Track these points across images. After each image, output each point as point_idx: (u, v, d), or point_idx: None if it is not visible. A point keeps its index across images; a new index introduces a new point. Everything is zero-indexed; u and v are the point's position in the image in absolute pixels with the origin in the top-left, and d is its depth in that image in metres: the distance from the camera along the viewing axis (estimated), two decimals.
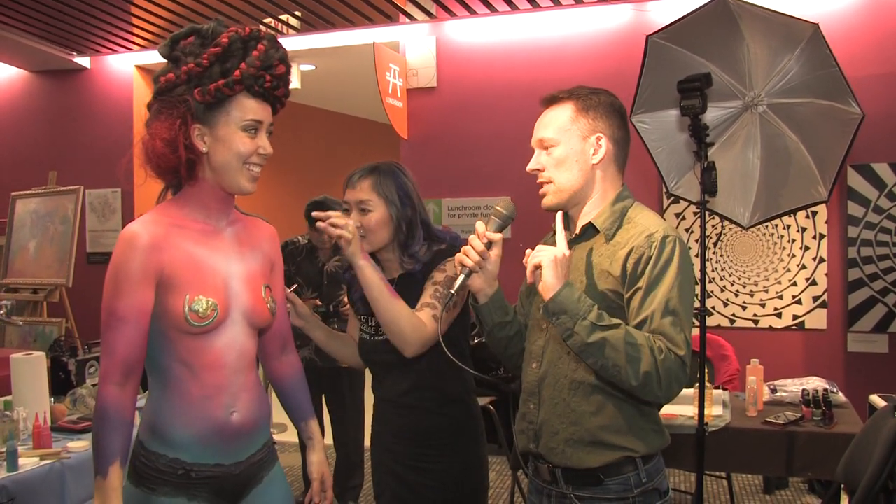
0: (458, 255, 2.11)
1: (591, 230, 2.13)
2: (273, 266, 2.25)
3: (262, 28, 1.95)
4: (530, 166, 2.18)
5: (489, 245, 2.10)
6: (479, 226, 2.10)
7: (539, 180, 2.16)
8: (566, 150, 2.11)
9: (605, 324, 1.90)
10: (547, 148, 2.14)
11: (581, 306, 1.90)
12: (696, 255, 4.04)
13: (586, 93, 2.15)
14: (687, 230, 5.85)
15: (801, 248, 5.71)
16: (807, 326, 5.71)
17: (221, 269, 2.04)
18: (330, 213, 2.33)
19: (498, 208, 2.13)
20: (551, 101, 2.18)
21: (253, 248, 2.16)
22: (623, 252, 2.03)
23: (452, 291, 2.11)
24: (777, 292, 5.77)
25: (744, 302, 5.84)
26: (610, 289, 2.02)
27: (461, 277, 2.10)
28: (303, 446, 2.55)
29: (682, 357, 1.91)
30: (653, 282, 1.96)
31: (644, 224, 2.06)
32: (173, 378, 2.00)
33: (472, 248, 2.08)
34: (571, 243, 2.15)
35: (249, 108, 2.00)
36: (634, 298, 1.99)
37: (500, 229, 2.13)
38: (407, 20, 6.60)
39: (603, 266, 2.05)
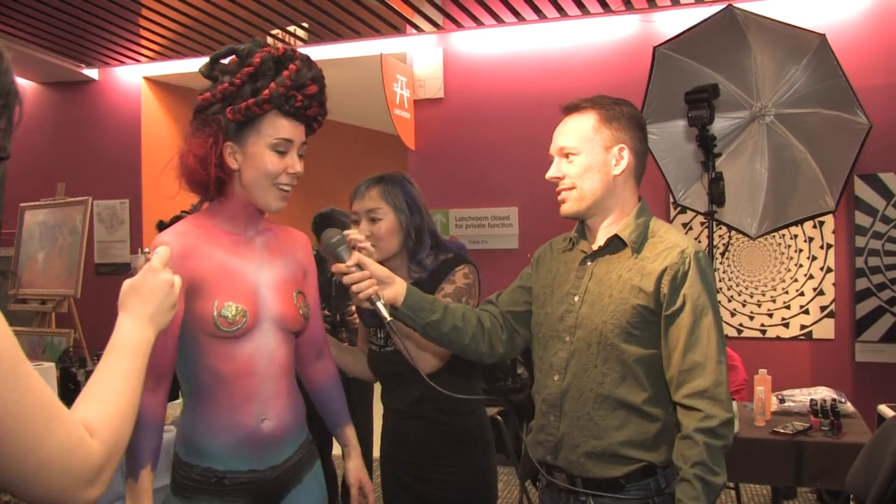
0: (357, 298, 2.12)
1: (616, 243, 2.12)
2: (306, 273, 2.27)
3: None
4: (550, 174, 2.17)
5: (359, 267, 2.12)
6: (339, 266, 2.12)
7: (559, 187, 2.16)
8: (588, 159, 2.10)
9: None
10: (568, 156, 2.13)
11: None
12: None
13: (609, 103, 2.14)
14: (694, 240, 5.83)
15: (808, 258, 5.70)
16: (814, 336, 5.70)
17: (251, 277, 2.07)
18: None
19: (331, 244, 2.14)
20: (573, 108, 2.17)
21: (283, 255, 2.19)
22: (654, 267, 2.03)
23: (389, 318, 2.12)
24: (784, 302, 5.77)
25: (751, 312, 5.84)
26: (641, 304, 2.03)
27: (378, 306, 2.11)
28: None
29: (717, 429, 1.96)
30: (694, 320, 2.00)
31: (672, 240, 2.08)
32: (202, 387, 2.03)
33: (355, 280, 2.10)
34: (594, 255, 2.16)
35: (280, 127, 2.03)
36: (676, 331, 2.01)
37: (347, 253, 2.14)
38: (414, 31, 6.63)
39: (633, 281, 2.05)
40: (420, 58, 6.70)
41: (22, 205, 6.88)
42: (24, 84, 7.62)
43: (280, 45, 2.06)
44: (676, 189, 4.40)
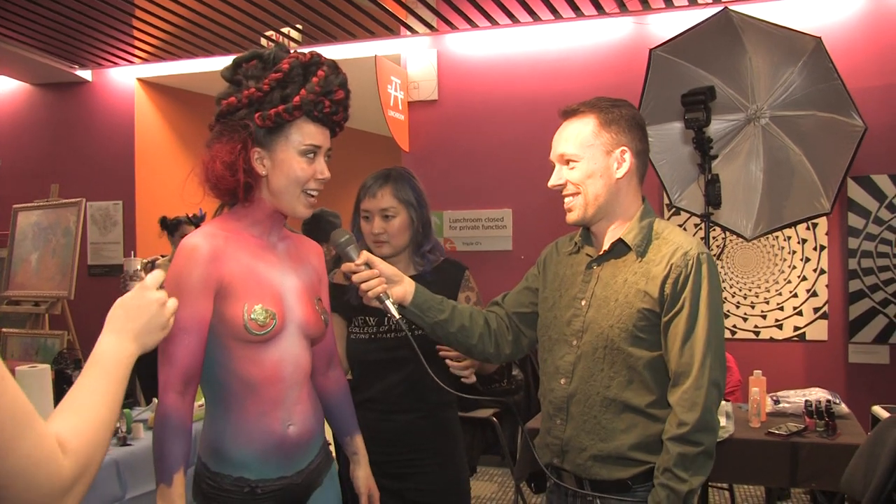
0: (366, 297, 2.13)
1: (620, 246, 2.12)
2: (321, 280, 2.28)
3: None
4: (553, 182, 2.16)
5: (368, 266, 2.13)
6: (349, 265, 2.14)
7: (564, 193, 2.15)
8: (590, 165, 2.09)
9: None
10: (568, 162, 2.12)
11: None
12: None
13: (608, 105, 2.13)
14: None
15: (801, 260, 5.72)
16: (808, 338, 5.72)
17: (276, 281, 2.07)
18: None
19: (340, 243, 2.18)
20: (571, 113, 2.16)
21: (303, 262, 2.20)
22: (658, 269, 2.04)
23: (398, 317, 2.13)
24: (778, 304, 5.78)
25: (745, 313, 5.85)
26: (647, 308, 2.03)
27: (388, 303, 2.12)
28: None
29: (688, 436, 1.98)
30: (690, 322, 2.00)
31: (676, 241, 2.08)
32: (230, 394, 2.02)
33: (363, 278, 2.11)
34: (599, 260, 2.16)
35: (308, 132, 2.03)
36: (674, 331, 2.02)
37: (356, 252, 2.16)
38: (408, 33, 6.63)
39: (639, 285, 2.05)
40: (414, 60, 6.70)
41: (15, 206, 6.86)
42: (16, 85, 7.65)
43: (308, 50, 2.07)
44: (672, 191, 4.41)
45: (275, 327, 2.00)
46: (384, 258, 2.59)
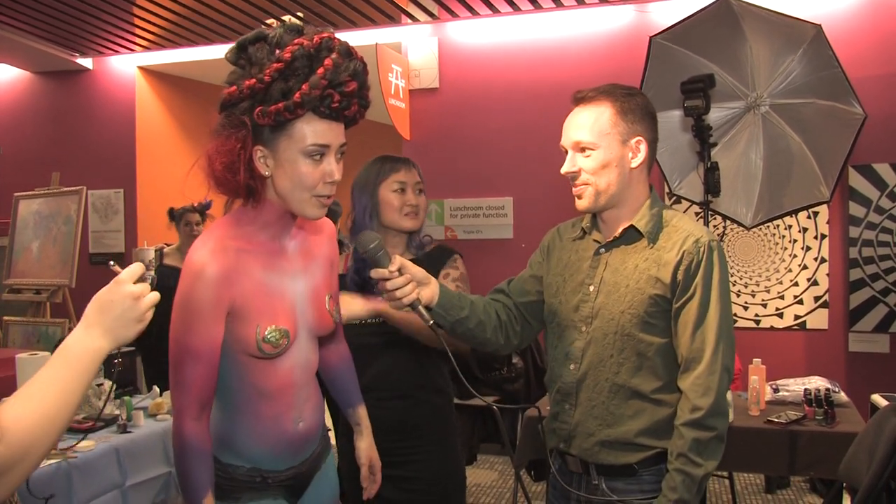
0: (399, 303, 2.04)
1: (632, 233, 2.12)
2: (332, 264, 2.19)
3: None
4: (566, 169, 2.13)
5: (401, 272, 2.02)
6: (380, 271, 2.00)
7: (576, 182, 2.12)
8: (606, 154, 2.07)
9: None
10: (584, 150, 2.09)
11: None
12: None
13: (624, 94, 2.10)
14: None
15: (802, 249, 5.72)
16: (808, 326, 5.72)
17: (289, 291, 1.99)
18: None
19: (371, 249, 2.02)
20: (586, 100, 2.11)
21: (315, 257, 2.09)
22: (670, 256, 2.04)
23: (431, 322, 2.05)
24: (779, 292, 5.78)
25: (745, 302, 5.85)
26: (658, 294, 2.04)
27: (420, 310, 2.03)
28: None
29: (703, 420, 2.00)
30: (702, 308, 2.02)
31: (687, 229, 2.08)
32: (244, 399, 1.99)
33: (398, 285, 1.99)
34: (609, 246, 2.16)
35: (315, 131, 1.81)
36: (685, 318, 2.04)
37: (388, 258, 2.02)
38: (409, 21, 6.61)
39: (650, 271, 2.06)
40: (415, 48, 6.69)
41: (16, 194, 6.87)
42: (17, 73, 7.64)
43: (315, 32, 1.82)
44: (672, 179, 4.41)
45: (287, 344, 1.95)
46: (410, 231, 2.71)
